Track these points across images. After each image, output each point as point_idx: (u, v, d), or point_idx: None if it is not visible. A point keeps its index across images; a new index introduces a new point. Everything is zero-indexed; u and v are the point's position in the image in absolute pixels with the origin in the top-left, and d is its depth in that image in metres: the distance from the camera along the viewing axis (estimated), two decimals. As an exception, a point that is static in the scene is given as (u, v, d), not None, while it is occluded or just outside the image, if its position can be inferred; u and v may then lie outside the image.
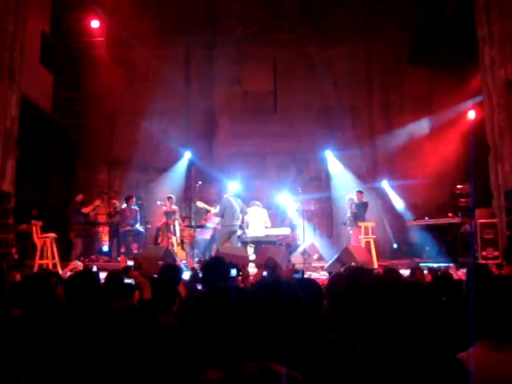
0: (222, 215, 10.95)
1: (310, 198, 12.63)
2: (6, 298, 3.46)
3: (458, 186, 12.15)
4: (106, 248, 13.08)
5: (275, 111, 14.80)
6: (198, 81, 14.83)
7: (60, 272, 8.71)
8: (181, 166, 14.04)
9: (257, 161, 14.28)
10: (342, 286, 3.92)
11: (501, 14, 9.48)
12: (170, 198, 12.18)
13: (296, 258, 10.49)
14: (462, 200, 11.76)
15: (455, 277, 5.92)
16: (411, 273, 6.04)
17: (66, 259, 10.66)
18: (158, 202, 12.34)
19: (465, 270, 8.21)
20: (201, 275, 4.70)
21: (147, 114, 13.89)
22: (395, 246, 13.27)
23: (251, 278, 6.14)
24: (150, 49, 13.95)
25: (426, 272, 6.44)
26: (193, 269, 7.97)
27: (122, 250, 11.87)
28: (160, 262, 8.12)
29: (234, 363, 1.83)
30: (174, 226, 11.98)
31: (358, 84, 14.60)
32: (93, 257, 12.31)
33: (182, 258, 11.38)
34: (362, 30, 14.70)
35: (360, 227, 11.18)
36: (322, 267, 10.50)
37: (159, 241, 12.37)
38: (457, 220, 11.05)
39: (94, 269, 8.45)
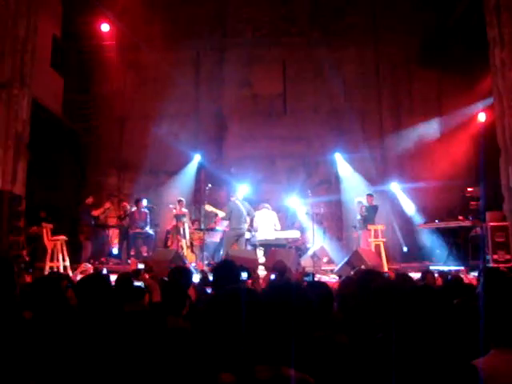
0: (228, 218, 10.99)
1: (319, 200, 12.61)
2: (17, 300, 3.48)
3: (469, 189, 12.08)
4: (115, 250, 13.10)
5: (285, 114, 14.79)
6: (208, 84, 14.86)
7: (70, 274, 8.75)
8: (190, 169, 14.07)
9: (266, 164, 14.26)
10: (353, 289, 3.90)
11: (511, 15, 9.42)
12: (180, 200, 12.21)
13: (306, 261, 10.46)
14: (472, 203, 11.69)
15: (465, 280, 5.90)
16: (422, 276, 6.01)
17: (75, 261, 10.71)
18: (170, 206, 12.35)
19: (475, 274, 8.19)
20: (211, 278, 4.70)
21: (157, 116, 13.95)
22: (405, 249, 13.19)
23: (260, 280, 6.13)
24: (160, 52, 14.00)
25: (436, 275, 6.40)
26: (202, 272, 7.97)
27: (132, 253, 11.91)
28: (171, 265, 8.13)
29: (245, 366, 1.83)
30: (184, 229, 12.00)
31: (367, 86, 14.55)
32: (102, 259, 12.35)
33: (191, 260, 11.40)
34: (372, 32, 14.64)
35: (370, 230, 11.14)
36: (331, 270, 10.47)
37: (169, 243, 12.40)
38: (467, 223, 10.96)
39: (104, 271, 8.51)
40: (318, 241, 11.53)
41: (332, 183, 14.30)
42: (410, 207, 13.48)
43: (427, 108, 14.10)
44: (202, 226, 13.02)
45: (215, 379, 1.82)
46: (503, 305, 2.18)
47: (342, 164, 14.07)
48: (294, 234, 11.71)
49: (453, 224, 11.29)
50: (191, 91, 14.65)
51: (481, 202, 11.39)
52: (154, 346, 2.37)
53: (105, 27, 14.08)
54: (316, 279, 7.18)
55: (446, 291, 3.90)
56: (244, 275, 5.19)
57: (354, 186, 13.58)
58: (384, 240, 10.96)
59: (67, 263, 10.13)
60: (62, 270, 9.63)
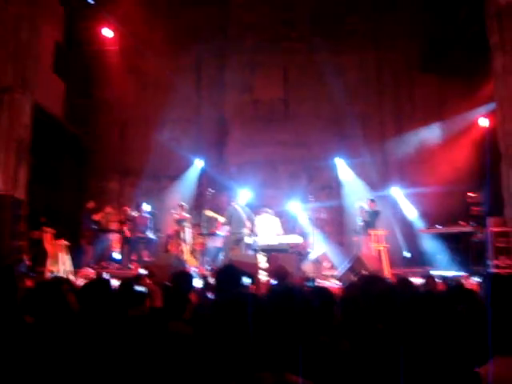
0: (228, 223, 11.00)
1: (321, 206, 12.61)
2: (18, 305, 3.47)
3: (470, 194, 12.06)
4: (116, 255, 13.10)
5: (286, 119, 14.80)
6: (209, 89, 14.90)
7: (72, 279, 8.74)
8: (192, 174, 14.10)
9: (267, 169, 14.26)
10: (357, 294, 3.89)
11: (512, 21, 9.45)
12: (181, 205, 12.22)
13: (307, 266, 10.44)
14: (473, 208, 11.67)
15: (467, 286, 5.88)
16: (425, 281, 6.00)
17: (77, 266, 10.71)
18: (172, 211, 12.36)
19: (477, 279, 8.17)
20: (213, 283, 4.69)
21: (159, 121, 13.98)
22: (407, 254, 13.17)
23: (260, 285, 6.13)
24: (162, 57, 14.03)
25: (437, 281, 6.39)
26: (204, 276, 7.95)
27: (133, 258, 11.90)
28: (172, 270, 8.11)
29: (248, 373, 1.82)
30: (185, 234, 11.99)
31: (368, 91, 14.58)
32: (104, 264, 12.33)
33: (193, 265, 11.38)
34: (373, 37, 14.68)
35: (371, 235, 11.13)
36: (332, 275, 10.45)
37: (169, 248, 12.38)
38: (469, 228, 10.96)
39: (106, 276, 8.49)
40: (319, 246, 11.50)
41: (333, 188, 14.30)
42: (411, 212, 13.48)
43: (428, 113, 14.10)
44: (204, 231, 13.01)
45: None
46: (507, 311, 2.18)
47: (343, 169, 14.09)
48: (296, 239, 11.69)
49: (454, 229, 11.29)
50: (192, 96, 14.68)
51: (482, 208, 11.38)
52: (155, 350, 2.36)
53: (107, 33, 14.10)
54: (317, 284, 7.16)
55: (449, 297, 3.89)
56: (247, 280, 5.18)
57: (355, 191, 13.59)
58: (387, 246, 10.92)
59: (69, 268, 10.12)
60: (63, 275, 9.61)
